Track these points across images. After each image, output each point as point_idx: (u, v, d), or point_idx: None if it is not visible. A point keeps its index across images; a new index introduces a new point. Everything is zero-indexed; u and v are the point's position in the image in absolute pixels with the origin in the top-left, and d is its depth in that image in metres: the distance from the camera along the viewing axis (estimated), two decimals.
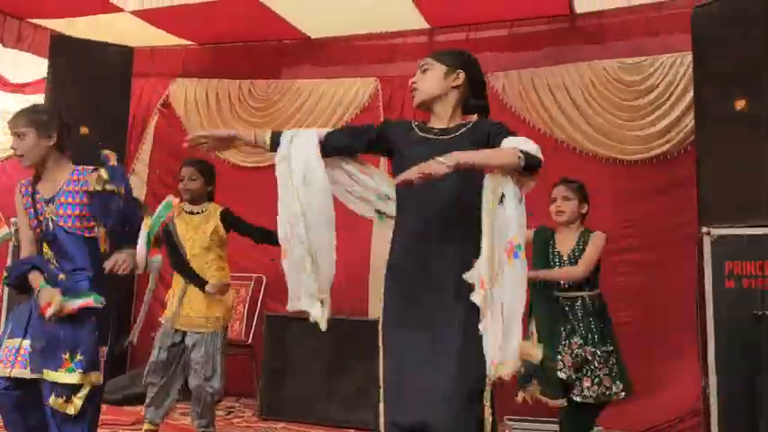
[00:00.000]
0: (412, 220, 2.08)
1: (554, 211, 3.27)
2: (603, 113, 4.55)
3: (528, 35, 4.73)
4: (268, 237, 3.39)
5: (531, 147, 1.92)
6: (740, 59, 3.68)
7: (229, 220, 3.58)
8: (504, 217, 1.88)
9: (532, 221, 3.36)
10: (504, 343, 1.86)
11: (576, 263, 3.16)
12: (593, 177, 4.37)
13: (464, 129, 2.08)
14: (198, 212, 3.61)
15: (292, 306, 2.16)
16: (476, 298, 1.89)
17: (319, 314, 2.11)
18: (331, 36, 5.22)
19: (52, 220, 2.59)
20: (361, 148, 2.21)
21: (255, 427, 4.03)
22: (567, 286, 3.17)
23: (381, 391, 2.06)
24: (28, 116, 2.63)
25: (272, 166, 5.91)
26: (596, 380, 3.02)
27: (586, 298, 3.15)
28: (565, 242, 3.24)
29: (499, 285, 1.87)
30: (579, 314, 3.12)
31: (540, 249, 3.27)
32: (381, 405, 2.04)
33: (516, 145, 1.91)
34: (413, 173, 1.84)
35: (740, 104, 3.67)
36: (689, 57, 4.07)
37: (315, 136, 2.16)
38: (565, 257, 3.21)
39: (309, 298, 2.13)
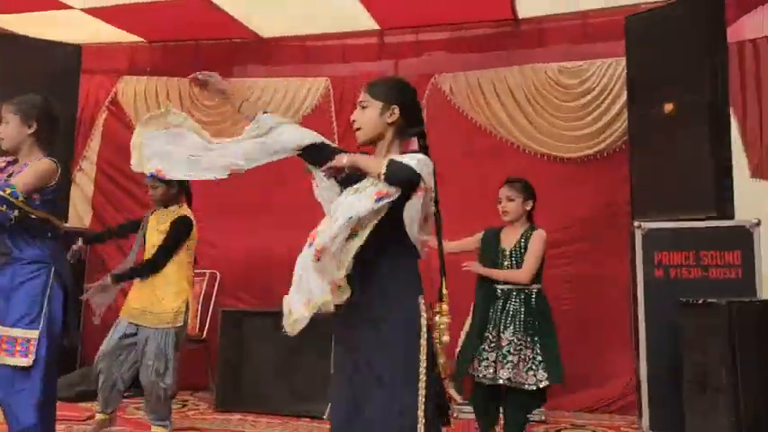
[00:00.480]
0: None
1: (501, 212, 3.46)
2: (545, 114, 4.81)
3: (474, 38, 4.94)
4: (133, 270, 3.61)
5: (411, 162, 2.05)
6: (670, 65, 3.98)
7: (173, 228, 3.62)
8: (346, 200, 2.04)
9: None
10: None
11: (518, 258, 3.35)
12: (536, 175, 4.59)
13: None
14: (164, 215, 3.68)
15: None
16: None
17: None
18: (282, 35, 5.30)
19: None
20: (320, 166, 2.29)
21: (212, 419, 4.11)
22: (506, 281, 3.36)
23: None
24: (15, 104, 2.80)
25: None
26: (526, 368, 3.22)
27: (525, 291, 3.33)
28: (509, 238, 3.43)
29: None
30: (516, 306, 3.30)
31: (486, 247, 3.45)
32: None
33: (409, 162, 2.06)
34: (331, 164, 2.11)
35: (668, 108, 3.97)
36: (623, 61, 4.35)
37: (306, 138, 2.28)
38: (507, 252, 3.39)
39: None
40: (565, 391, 4.38)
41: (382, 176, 2.01)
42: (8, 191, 2.62)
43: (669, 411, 3.58)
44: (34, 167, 2.76)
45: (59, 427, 3.64)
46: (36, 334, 2.70)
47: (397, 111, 2.19)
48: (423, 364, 2.05)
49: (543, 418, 4.17)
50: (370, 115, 2.20)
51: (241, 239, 5.04)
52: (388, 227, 2.06)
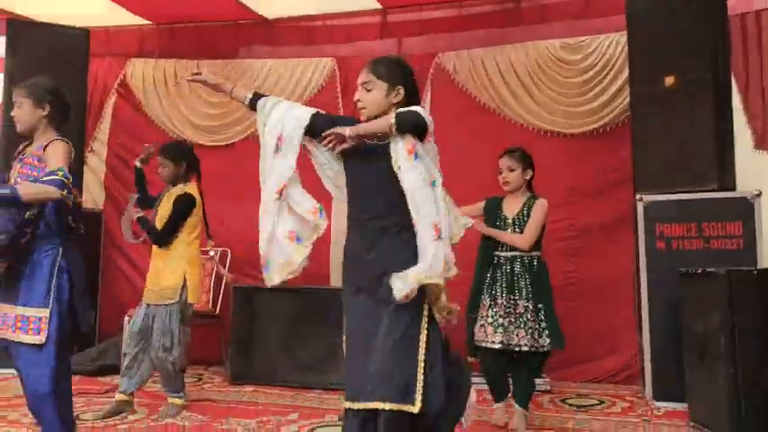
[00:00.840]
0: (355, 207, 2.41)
1: (501, 182, 3.52)
2: (547, 91, 4.84)
3: (477, 15, 4.95)
4: (150, 226, 3.74)
5: (413, 113, 2.20)
6: (671, 38, 4.00)
7: (173, 204, 3.73)
8: (408, 176, 2.17)
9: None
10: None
11: (521, 226, 3.42)
12: (540, 151, 4.63)
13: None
14: (173, 193, 3.78)
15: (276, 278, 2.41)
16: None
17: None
18: (287, 16, 5.34)
19: (15, 175, 2.87)
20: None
21: (226, 391, 4.24)
22: (507, 247, 3.43)
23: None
24: (27, 87, 2.90)
25: (229, 146, 6.00)
26: (528, 332, 3.30)
27: (525, 257, 3.40)
28: (511, 207, 3.49)
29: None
30: (516, 271, 3.38)
31: (489, 216, 3.53)
32: None
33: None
34: (331, 132, 2.26)
35: (670, 81, 4.00)
36: (624, 36, 4.37)
37: (305, 113, 2.37)
38: (510, 221, 3.46)
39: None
40: (570, 362, 4.50)
41: (393, 127, 2.14)
42: (60, 174, 2.67)
43: (672, 381, 3.68)
44: (57, 150, 2.82)
45: (80, 399, 3.83)
46: (47, 312, 2.81)
47: (402, 91, 2.31)
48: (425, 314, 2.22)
49: (549, 388, 4.27)
50: (375, 96, 2.30)
51: (250, 217, 5.11)
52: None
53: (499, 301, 3.36)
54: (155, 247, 3.75)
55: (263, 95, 2.44)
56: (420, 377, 2.16)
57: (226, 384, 4.42)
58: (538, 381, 4.01)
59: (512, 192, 3.51)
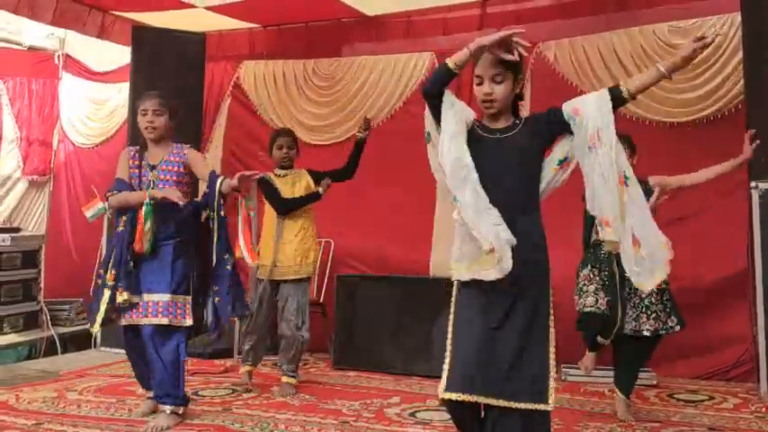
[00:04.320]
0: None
1: None
2: None
3: (577, 3, 4.84)
4: (343, 172, 4.07)
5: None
6: None
7: (314, 174, 4.04)
8: (604, 161, 2.15)
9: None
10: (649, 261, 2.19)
11: None
12: (647, 141, 4.50)
13: (516, 128, 2.29)
14: (286, 175, 4.03)
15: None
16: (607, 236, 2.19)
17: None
18: (387, 13, 5.45)
19: (154, 182, 3.26)
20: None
21: (330, 375, 4.43)
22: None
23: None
24: (165, 99, 3.34)
25: (333, 145, 6.10)
26: (653, 315, 3.28)
27: None
28: None
29: (624, 216, 2.17)
30: None
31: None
32: None
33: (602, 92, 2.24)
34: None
35: None
36: (738, 17, 4.16)
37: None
38: None
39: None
40: (679, 356, 4.34)
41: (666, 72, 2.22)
42: (210, 174, 3.24)
43: None
44: (200, 156, 3.41)
45: (198, 378, 4.13)
46: (189, 299, 3.18)
47: (522, 81, 2.33)
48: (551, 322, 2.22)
49: (655, 382, 4.15)
50: (506, 89, 2.24)
51: (351, 212, 5.28)
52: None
53: (619, 290, 3.33)
54: (289, 226, 3.91)
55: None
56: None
57: (329, 369, 4.61)
58: (644, 375, 3.93)
59: None
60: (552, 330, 2.21)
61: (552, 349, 2.20)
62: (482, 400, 2.15)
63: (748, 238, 3.97)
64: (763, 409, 3.56)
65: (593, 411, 3.55)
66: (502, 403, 2.14)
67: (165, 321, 3.13)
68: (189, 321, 3.20)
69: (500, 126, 2.30)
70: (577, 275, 3.45)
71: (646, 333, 3.29)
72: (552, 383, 2.17)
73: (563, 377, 4.27)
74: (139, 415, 3.38)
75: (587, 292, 3.35)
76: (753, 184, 3.83)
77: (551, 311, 2.23)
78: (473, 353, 2.15)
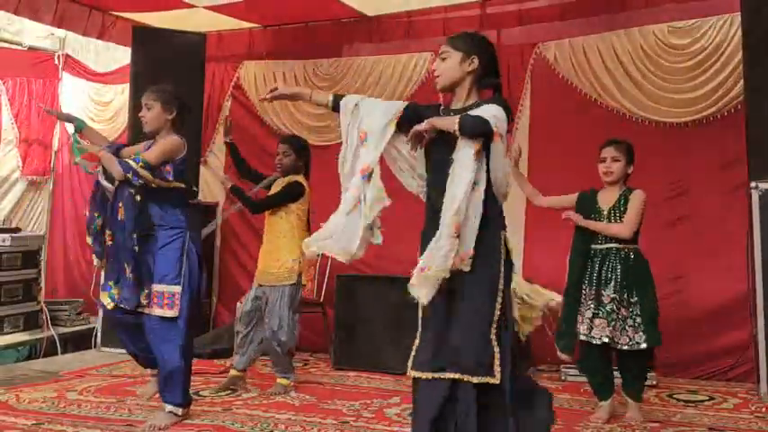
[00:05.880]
0: (430, 180, 2.47)
1: (603, 171, 3.42)
2: (654, 78, 4.65)
3: (578, 3, 4.82)
4: (245, 197, 3.99)
5: (487, 115, 2.23)
6: None
7: (284, 186, 3.96)
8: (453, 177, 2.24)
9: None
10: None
11: (617, 218, 3.34)
12: (646, 142, 4.50)
13: (470, 108, 2.37)
14: (277, 178, 4.04)
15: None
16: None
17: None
18: (387, 13, 5.45)
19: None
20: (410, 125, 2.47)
21: (330, 375, 4.43)
22: (603, 239, 3.35)
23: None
24: (157, 92, 3.25)
25: (336, 145, 6.15)
26: (620, 328, 3.24)
27: (621, 250, 3.32)
28: (606, 199, 3.41)
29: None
30: (614, 264, 3.30)
31: (584, 209, 3.44)
32: None
33: (480, 113, 2.25)
34: (412, 132, 2.32)
35: None
36: (738, 17, 4.16)
37: (392, 107, 2.47)
38: (606, 212, 3.37)
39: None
40: (679, 357, 4.35)
41: (456, 130, 2.22)
42: (134, 163, 3.07)
43: None
44: (161, 144, 3.21)
45: (198, 378, 4.13)
46: (179, 289, 3.15)
47: (476, 60, 2.39)
48: (498, 305, 2.30)
49: (655, 382, 4.14)
50: (449, 64, 2.40)
51: None
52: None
53: (585, 293, 3.33)
54: (270, 231, 3.96)
55: (344, 95, 2.53)
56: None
57: (330, 369, 4.61)
58: None
59: (612, 183, 3.42)
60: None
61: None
62: None
63: (748, 238, 3.97)
64: (763, 409, 3.57)
65: (592, 411, 3.53)
66: None
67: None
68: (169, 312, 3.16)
69: (457, 107, 2.42)
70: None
71: (624, 347, 3.25)
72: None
73: (563, 377, 4.28)
74: (148, 396, 3.50)
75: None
76: (753, 184, 3.84)
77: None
78: None
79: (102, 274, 3.40)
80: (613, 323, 3.25)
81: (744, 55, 4.05)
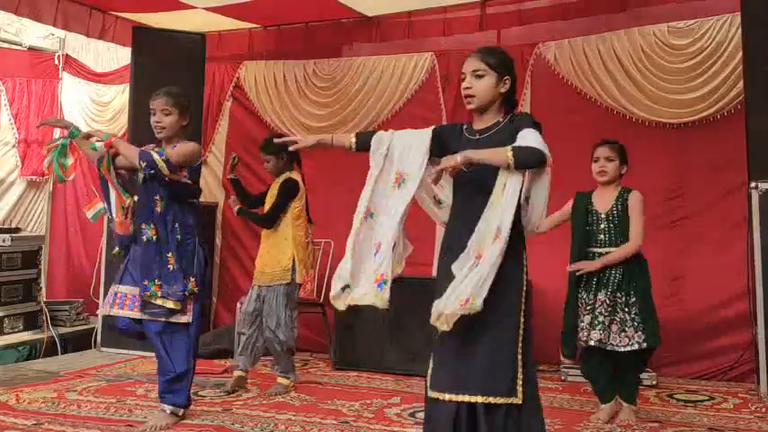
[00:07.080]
0: (458, 206, 2.39)
1: (596, 171, 3.40)
2: (653, 79, 4.65)
3: (577, 3, 4.80)
4: (253, 214, 4.17)
5: (536, 144, 2.18)
6: None
7: (278, 188, 3.99)
8: (500, 205, 2.18)
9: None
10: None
11: (615, 221, 3.31)
12: (646, 142, 4.53)
13: (496, 127, 2.34)
14: (277, 183, 4.06)
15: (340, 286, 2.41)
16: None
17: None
18: (387, 13, 5.44)
19: None
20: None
21: (330, 376, 4.43)
22: (602, 243, 3.33)
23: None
24: (175, 98, 3.21)
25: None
26: (620, 330, 3.22)
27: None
28: (602, 201, 3.38)
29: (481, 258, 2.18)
30: (612, 269, 3.27)
31: (579, 212, 3.42)
32: None
33: (524, 143, 2.18)
34: (441, 166, 2.24)
35: None
36: (738, 17, 4.16)
37: (423, 142, 2.37)
38: (603, 215, 3.35)
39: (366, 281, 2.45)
40: (679, 357, 4.35)
41: (511, 164, 2.15)
42: (158, 156, 3.06)
43: None
44: (183, 147, 3.20)
45: (197, 378, 4.12)
46: (195, 288, 3.17)
47: (508, 82, 2.34)
48: (522, 323, 2.26)
49: (654, 382, 4.14)
50: (487, 84, 2.31)
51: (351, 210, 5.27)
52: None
53: (583, 298, 3.32)
54: (264, 232, 4.03)
55: (364, 134, 2.48)
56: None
57: (330, 370, 4.61)
58: (644, 375, 3.93)
59: (606, 183, 3.40)
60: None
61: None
62: None
63: (748, 238, 3.97)
64: (763, 409, 3.57)
65: (593, 411, 3.53)
66: None
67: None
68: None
69: (482, 127, 2.35)
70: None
71: (624, 348, 3.24)
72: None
73: (563, 377, 4.28)
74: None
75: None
76: (753, 184, 3.84)
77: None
78: None
79: (117, 275, 3.29)
80: (612, 326, 3.25)
81: (744, 55, 4.05)
